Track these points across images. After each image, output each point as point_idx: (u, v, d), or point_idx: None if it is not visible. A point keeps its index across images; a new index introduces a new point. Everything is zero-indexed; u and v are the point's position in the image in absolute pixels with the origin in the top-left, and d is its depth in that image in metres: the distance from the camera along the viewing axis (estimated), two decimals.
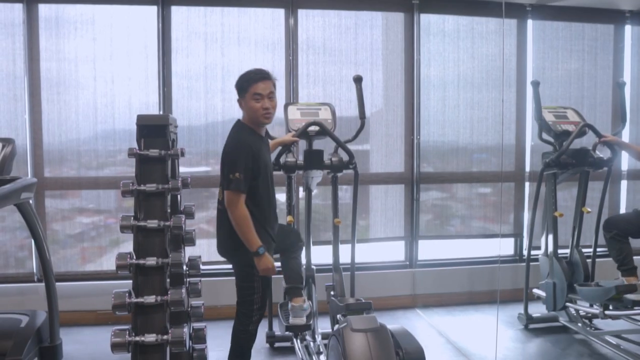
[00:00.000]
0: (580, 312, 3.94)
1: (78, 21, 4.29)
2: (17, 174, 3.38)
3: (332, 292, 3.35)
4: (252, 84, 2.67)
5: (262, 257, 2.62)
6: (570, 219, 4.21)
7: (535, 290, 4.19)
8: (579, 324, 3.94)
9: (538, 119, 3.98)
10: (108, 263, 4.29)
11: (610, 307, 3.62)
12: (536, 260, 4.26)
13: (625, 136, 4.94)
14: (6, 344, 2.92)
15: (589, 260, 3.98)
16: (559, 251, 4.08)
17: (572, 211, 4.21)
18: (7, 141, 3.12)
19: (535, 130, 4.26)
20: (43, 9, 4.24)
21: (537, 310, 4.21)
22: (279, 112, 3.05)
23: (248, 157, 2.62)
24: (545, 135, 4.03)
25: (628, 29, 5.05)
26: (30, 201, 3.18)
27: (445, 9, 4.74)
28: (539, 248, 4.24)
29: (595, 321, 3.95)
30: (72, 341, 3.76)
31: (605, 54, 5.02)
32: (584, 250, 4.06)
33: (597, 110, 4.95)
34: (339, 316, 3.03)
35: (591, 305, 3.79)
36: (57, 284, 3.38)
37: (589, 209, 4.04)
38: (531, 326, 4.12)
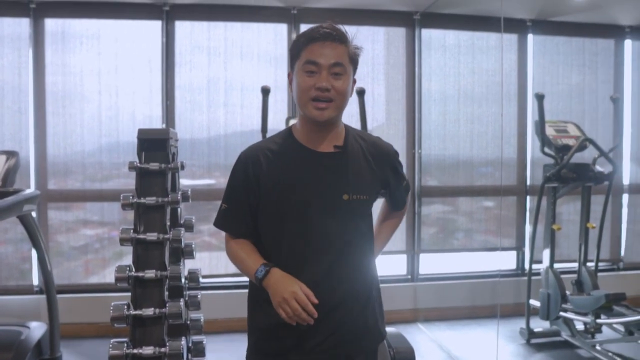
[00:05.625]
0: (575, 323, 3.95)
1: (84, 36, 4.36)
2: (20, 186, 3.42)
3: None
4: (307, 45, 1.57)
5: (269, 278, 1.55)
6: (573, 232, 4.21)
7: (531, 301, 4.18)
8: (582, 338, 3.92)
9: (540, 132, 3.99)
10: (111, 275, 4.28)
11: (602, 316, 3.71)
12: (538, 274, 4.25)
13: (627, 150, 4.96)
14: (6, 356, 2.93)
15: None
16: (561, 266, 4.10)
17: (577, 226, 4.21)
18: (11, 154, 3.16)
19: (536, 144, 4.27)
20: (49, 23, 4.31)
21: (539, 324, 4.19)
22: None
23: (238, 179, 1.66)
24: (547, 149, 4.05)
25: (628, 43, 5.08)
26: (33, 213, 3.21)
27: (446, 24, 4.79)
28: (540, 262, 4.23)
29: (598, 336, 3.93)
30: (72, 353, 3.77)
31: (605, 68, 5.04)
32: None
33: (598, 124, 4.95)
34: None
35: (584, 314, 3.82)
36: (59, 296, 3.40)
37: (594, 225, 4.05)
38: (533, 341, 4.10)
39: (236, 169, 1.67)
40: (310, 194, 1.59)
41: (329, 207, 1.59)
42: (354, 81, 1.65)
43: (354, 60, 1.62)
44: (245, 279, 1.72)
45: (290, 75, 1.65)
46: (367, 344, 1.72)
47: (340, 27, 1.60)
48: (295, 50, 1.60)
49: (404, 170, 1.89)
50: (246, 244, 1.68)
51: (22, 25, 4.27)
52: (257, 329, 1.70)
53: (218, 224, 1.72)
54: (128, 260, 2.39)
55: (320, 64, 1.54)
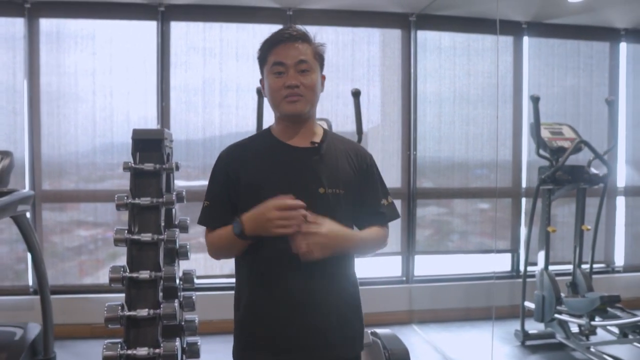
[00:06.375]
0: (569, 325, 3.96)
1: (78, 36, 4.35)
2: (14, 186, 3.40)
3: None
4: (272, 49, 1.64)
5: (245, 225, 1.57)
6: (568, 234, 4.22)
7: (526, 303, 4.18)
8: (576, 340, 3.92)
9: (535, 134, 4.00)
10: (105, 277, 4.27)
11: (596, 318, 3.74)
12: (533, 276, 4.26)
13: (621, 152, 4.98)
14: (0, 356, 2.91)
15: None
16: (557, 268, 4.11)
17: (572, 228, 4.22)
18: (5, 154, 3.14)
19: (531, 147, 4.28)
20: (44, 23, 4.30)
21: (534, 326, 4.19)
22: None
23: (218, 177, 1.72)
24: (542, 151, 4.06)
25: (623, 46, 5.10)
26: (27, 214, 3.20)
27: (441, 26, 4.80)
28: (535, 264, 4.24)
29: (593, 338, 3.94)
30: (66, 354, 3.75)
31: (600, 71, 5.06)
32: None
33: (592, 126, 4.97)
34: None
35: (579, 317, 3.82)
36: (53, 296, 3.38)
37: (589, 227, 4.06)
38: (528, 343, 4.10)
39: (216, 168, 1.73)
40: (288, 188, 1.61)
41: (306, 201, 1.58)
42: (323, 77, 1.72)
43: (319, 56, 1.68)
44: None
45: (262, 81, 1.71)
46: (351, 345, 1.73)
47: (301, 27, 1.68)
48: (262, 55, 1.68)
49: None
50: (221, 228, 1.69)
51: (16, 25, 4.25)
52: (247, 326, 1.70)
53: (201, 221, 1.75)
54: (122, 261, 2.38)
55: (286, 64, 1.61)
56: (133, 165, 2.40)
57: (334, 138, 1.76)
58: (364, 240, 1.70)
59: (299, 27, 1.67)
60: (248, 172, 1.66)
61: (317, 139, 1.70)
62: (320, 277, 1.62)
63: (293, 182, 1.63)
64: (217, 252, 1.76)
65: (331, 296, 1.65)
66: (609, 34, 5.06)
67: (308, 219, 1.52)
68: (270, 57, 1.63)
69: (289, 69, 1.61)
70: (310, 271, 1.59)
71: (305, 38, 1.65)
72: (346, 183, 1.67)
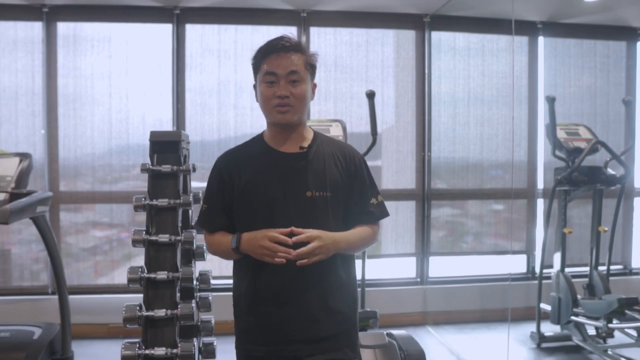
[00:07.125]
0: (586, 327, 3.92)
1: (95, 39, 4.39)
2: (33, 187, 3.45)
3: None
4: (265, 58, 1.73)
5: (242, 243, 1.71)
6: (584, 236, 4.18)
7: (542, 305, 4.15)
8: (593, 343, 3.89)
9: (551, 135, 3.97)
10: (120, 277, 4.33)
11: (614, 321, 3.70)
12: (549, 277, 4.22)
13: (639, 152, 4.92)
14: (19, 355, 2.96)
15: None
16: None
17: (588, 230, 4.18)
18: (24, 156, 3.19)
19: (547, 147, 4.25)
20: (61, 27, 4.35)
21: (550, 329, 4.16)
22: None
23: (214, 182, 1.83)
24: (558, 152, 4.03)
25: None
26: (46, 215, 3.24)
27: (456, 27, 4.78)
28: (551, 265, 4.21)
29: (610, 340, 3.90)
30: (83, 354, 3.79)
31: (617, 70, 5.01)
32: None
33: (609, 127, 4.92)
34: None
35: (596, 319, 3.78)
36: (70, 296, 3.43)
37: (606, 228, 4.02)
38: (544, 345, 4.07)
39: (212, 174, 1.84)
40: (277, 192, 1.71)
41: (294, 204, 1.70)
42: (315, 85, 1.82)
43: (310, 66, 1.76)
44: None
45: (255, 86, 1.80)
46: (337, 340, 1.75)
47: (294, 37, 1.75)
48: (256, 63, 1.77)
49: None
50: (221, 233, 1.82)
51: (35, 29, 4.31)
52: (243, 320, 1.82)
53: (199, 223, 1.87)
54: (136, 261, 2.40)
55: (278, 74, 1.69)
56: (151, 167, 2.42)
57: (323, 141, 1.82)
58: (350, 240, 1.75)
59: (292, 37, 1.75)
60: (241, 177, 1.75)
61: (306, 144, 1.76)
62: (311, 274, 1.69)
63: (281, 187, 1.71)
64: (214, 253, 1.89)
65: (323, 292, 1.72)
66: (626, 33, 5.01)
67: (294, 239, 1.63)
68: (263, 65, 1.72)
69: (280, 79, 1.69)
70: (302, 269, 1.66)
71: (297, 49, 1.72)
72: (333, 185, 1.74)
